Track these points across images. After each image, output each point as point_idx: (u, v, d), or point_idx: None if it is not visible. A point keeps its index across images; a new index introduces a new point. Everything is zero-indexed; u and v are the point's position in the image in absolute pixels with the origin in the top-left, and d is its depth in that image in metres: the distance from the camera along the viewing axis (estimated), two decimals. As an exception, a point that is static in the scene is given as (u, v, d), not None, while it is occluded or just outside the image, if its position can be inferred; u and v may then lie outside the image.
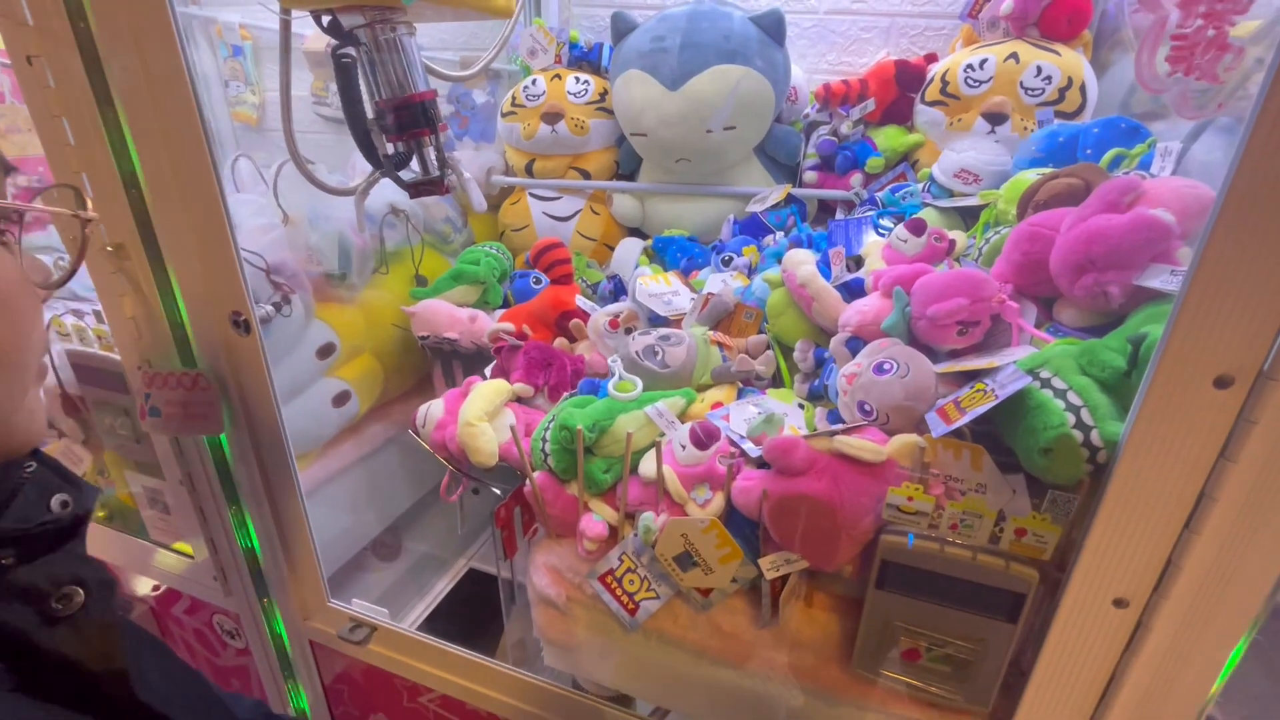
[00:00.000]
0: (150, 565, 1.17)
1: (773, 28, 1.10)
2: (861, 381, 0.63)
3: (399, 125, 0.78)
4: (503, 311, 1.18)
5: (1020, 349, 0.61)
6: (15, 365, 0.36)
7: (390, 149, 0.81)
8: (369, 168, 1.63)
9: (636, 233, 1.40)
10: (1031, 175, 0.80)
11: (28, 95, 0.73)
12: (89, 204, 0.43)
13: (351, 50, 0.73)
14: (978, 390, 0.56)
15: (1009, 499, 0.55)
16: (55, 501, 0.39)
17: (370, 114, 0.79)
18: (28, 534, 0.37)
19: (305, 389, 1.06)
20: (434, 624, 1.29)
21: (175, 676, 0.50)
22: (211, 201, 0.72)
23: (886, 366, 0.62)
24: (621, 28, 1.20)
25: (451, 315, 1.13)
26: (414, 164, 0.84)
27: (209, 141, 0.70)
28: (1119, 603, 0.51)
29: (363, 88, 0.77)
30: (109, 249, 0.80)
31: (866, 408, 0.63)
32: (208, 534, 0.99)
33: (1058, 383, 0.51)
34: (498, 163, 1.44)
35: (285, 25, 0.77)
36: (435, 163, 0.83)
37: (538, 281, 1.22)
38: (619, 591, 0.75)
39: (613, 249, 1.38)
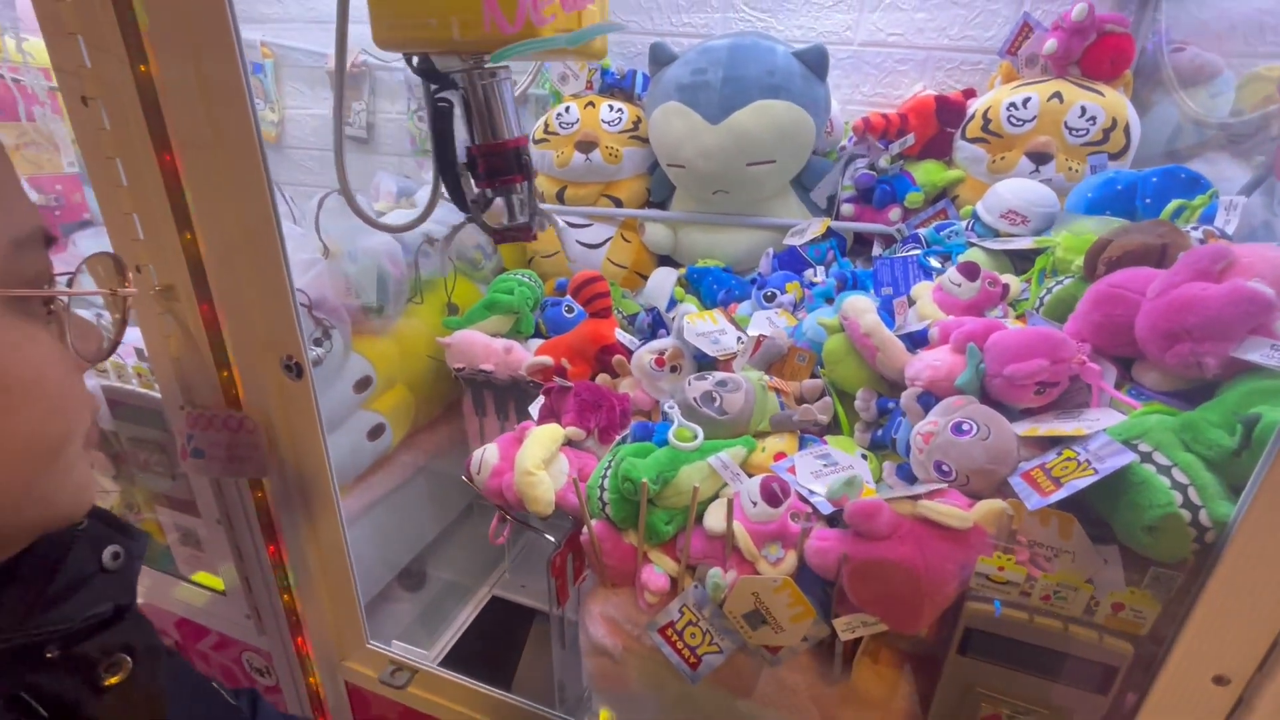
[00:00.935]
0: (172, 598, 1.15)
1: (816, 63, 1.10)
2: (939, 442, 0.63)
3: (490, 171, 0.74)
4: (539, 342, 1.16)
5: (1101, 411, 0.60)
6: (56, 452, 0.34)
7: (476, 193, 0.78)
8: (393, 189, 1.61)
9: (667, 261, 1.39)
10: (1089, 223, 0.80)
11: (81, 136, 0.72)
12: (129, 276, 0.41)
13: (450, 96, 0.70)
14: (1067, 458, 0.55)
15: (1099, 569, 0.54)
16: (107, 554, 0.39)
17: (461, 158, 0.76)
18: (73, 631, 0.36)
19: (342, 423, 1.04)
20: (459, 654, 1.28)
21: None
22: (270, 248, 0.70)
23: (966, 427, 0.62)
24: (660, 58, 1.20)
25: (487, 346, 1.12)
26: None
27: (271, 190, 0.68)
28: (1219, 680, 0.50)
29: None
30: (156, 289, 0.78)
31: (945, 468, 0.62)
32: (244, 573, 0.97)
33: (1160, 458, 0.51)
34: (526, 188, 1.43)
35: (341, 62, 0.76)
36: (519, 209, 0.80)
37: (570, 310, 1.21)
38: (680, 644, 0.74)
39: (644, 277, 1.37)
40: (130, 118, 0.69)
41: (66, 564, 0.36)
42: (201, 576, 1.12)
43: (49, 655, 0.35)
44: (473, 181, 0.72)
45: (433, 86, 0.70)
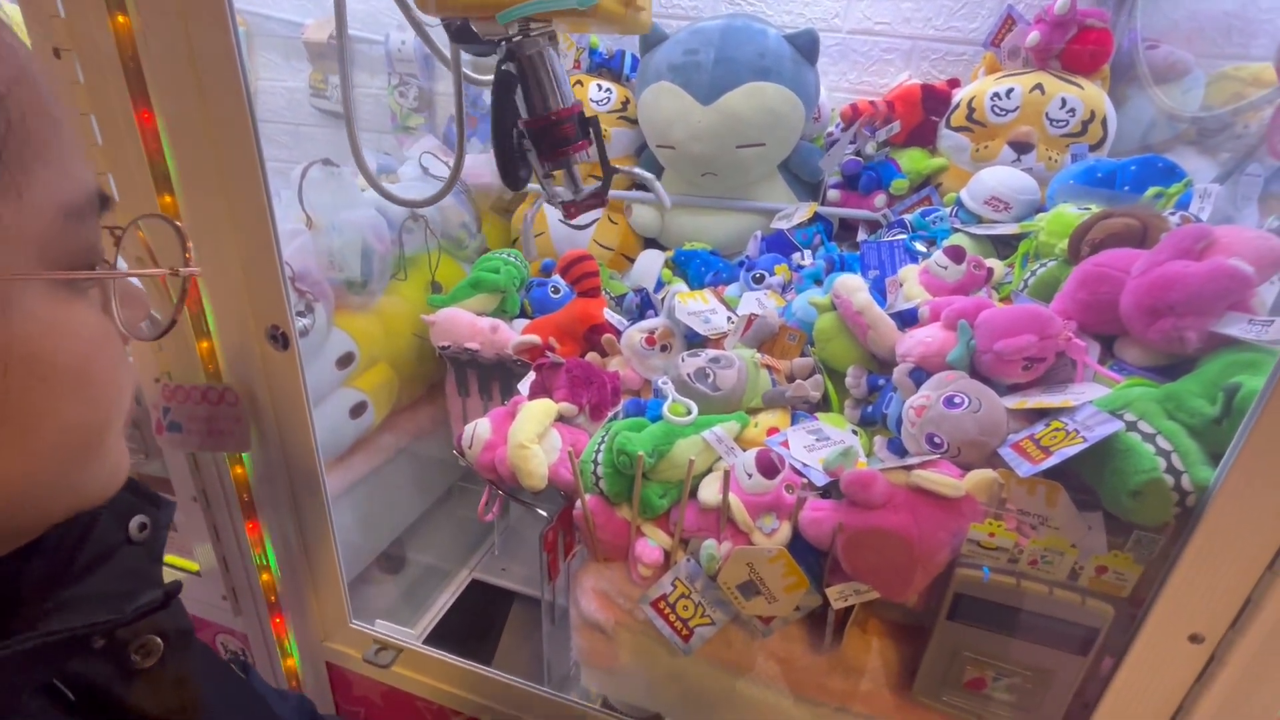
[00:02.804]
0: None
1: (806, 47, 1.11)
2: (931, 414, 0.64)
3: (555, 142, 0.68)
4: (525, 322, 1.15)
5: (1085, 385, 0.63)
6: (93, 446, 0.31)
7: (543, 169, 0.72)
8: (373, 166, 1.57)
9: (653, 243, 1.39)
10: (1072, 209, 0.83)
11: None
12: (190, 248, 0.37)
13: (512, 66, 0.64)
14: (1055, 429, 0.57)
15: (1083, 535, 0.57)
16: (134, 524, 0.36)
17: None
18: (122, 623, 0.34)
19: (323, 400, 1.02)
20: (438, 637, 1.27)
21: (240, 707, 0.47)
22: (258, 210, 0.68)
23: (958, 400, 0.63)
24: (651, 38, 1.19)
25: (472, 325, 1.11)
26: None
27: (259, 146, 0.66)
28: (1194, 638, 0.53)
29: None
30: (137, 258, 0.75)
31: (936, 440, 0.64)
32: (220, 553, 0.95)
33: (1145, 426, 0.53)
34: (512, 167, 1.41)
35: (342, 27, 0.73)
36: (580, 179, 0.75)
37: (556, 291, 1.20)
38: (672, 617, 0.74)
39: (630, 259, 1.37)
40: (107, 72, 0.66)
41: (92, 536, 0.34)
42: (172, 559, 1.08)
43: (95, 646, 0.33)
44: (536, 158, 0.66)
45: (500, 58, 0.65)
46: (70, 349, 0.28)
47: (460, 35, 0.69)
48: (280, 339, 0.75)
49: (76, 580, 0.33)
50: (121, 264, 0.38)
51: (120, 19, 0.64)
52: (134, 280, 0.35)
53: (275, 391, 0.79)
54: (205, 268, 0.74)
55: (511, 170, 0.69)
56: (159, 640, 0.35)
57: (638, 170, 0.76)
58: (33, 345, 0.27)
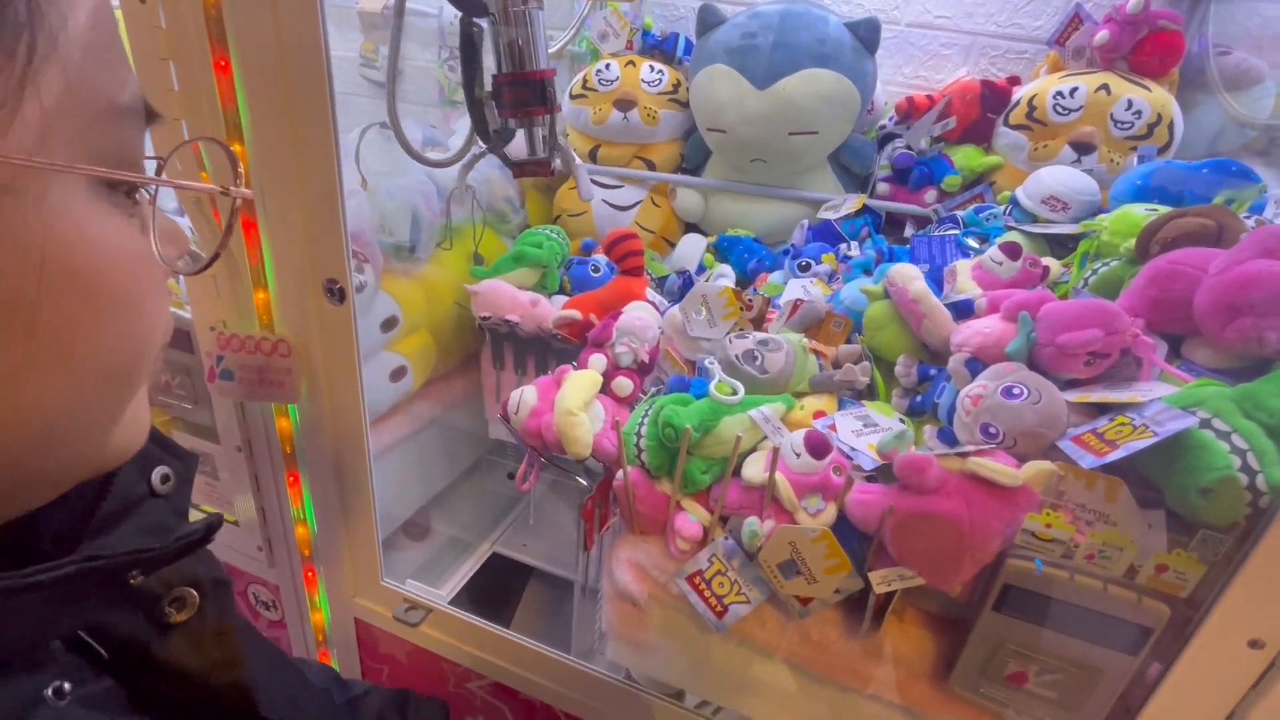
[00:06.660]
0: (179, 529, 1.13)
1: (868, 36, 1.10)
2: (988, 404, 0.63)
3: (514, 101, 0.75)
4: (564, 299, 1.16)
5: (1151, 383, 0.61)
6: (128, 377, 0.28)
7: (499, 124, 0.79)
8: (419, 137, 1.59)
9: (694, 228, 1.38)
10: (1139, 209, 0.81)
11: (134, 35, 0.69)
12: (241, 171, 0.34)
13: (482, 21, 0.70)
14: (1120, 423, 0.56)
15: (1143, 533, 0.56)
16: (156, 476, 0.35)
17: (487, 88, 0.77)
18: (165, 554, 0.32)
19: (366, 361, 1.03)
20: (457, 605, 1.28)
21: (283, 678, 0.46)
22: (326, 164, 0.69)
23: (1017, 391, 0.62)
24: (709, 20, 1.18)
25: (514, 298, 1.11)
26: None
27: (332, 99, 0.67)
28: (1255, 643, 0.52)
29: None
30: (197, 203, 0.76)
31: (992, 430, 0.63)
32: (260, 503, 0.96)
33: (1219, 424, 0.52)
34: (558, 144, 1.41)
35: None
36: (540, 144, 0.81)
37: (596, 270, 1.20)
38: (707, 593, 0.74)
39: (671, 243, 1.37)
40: (188, 18, 0.67)
41: (114, 487, 0.32)
42: (209, 510, 1.11)
43: (133, 580, 0.31)
44: (496, 112, 0.72)
45: (459, 13, 0.70)
46: (112, 266, 0.25)
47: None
48: (337, 293, 0.76)
49: (99, 533, 0.31)
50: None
51: (206, -34, 0.65)
52: (170, 216, 0.32)
53: (327, 346, 0.81)
54: (270, 219, 0.75)
55: (484, 126, 0.73)
56: (193, 592, 0.34)
57: (574, 155, 0.82)
58: (72, 255, 0.24)
